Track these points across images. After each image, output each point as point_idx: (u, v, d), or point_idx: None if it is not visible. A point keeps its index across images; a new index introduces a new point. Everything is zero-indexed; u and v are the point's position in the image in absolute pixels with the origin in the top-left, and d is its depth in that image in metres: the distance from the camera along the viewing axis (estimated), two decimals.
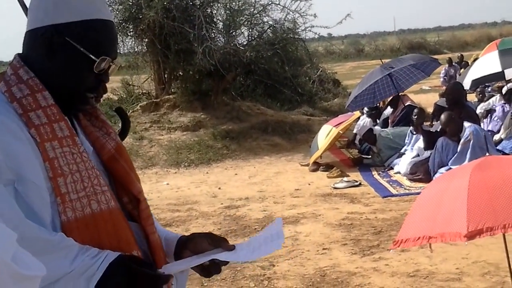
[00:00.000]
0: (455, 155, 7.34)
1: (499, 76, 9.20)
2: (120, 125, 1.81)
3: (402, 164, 8.16)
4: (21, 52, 1.57)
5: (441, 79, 17.84)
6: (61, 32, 1.48)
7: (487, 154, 3.74)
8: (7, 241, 1.05)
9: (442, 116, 7.71)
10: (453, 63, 17.90)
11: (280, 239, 1.63)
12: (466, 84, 9.39)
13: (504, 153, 7.58)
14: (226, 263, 1.61)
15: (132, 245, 1.51)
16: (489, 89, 12.11)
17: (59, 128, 1.46)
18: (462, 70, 15.93)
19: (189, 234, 1.75)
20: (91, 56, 1.50)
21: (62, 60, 1.50)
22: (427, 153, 7.83)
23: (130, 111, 12.16)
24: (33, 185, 1.38)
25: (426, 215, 3.25)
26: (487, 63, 9.59)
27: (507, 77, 9.17)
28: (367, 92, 10.30)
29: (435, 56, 13.86)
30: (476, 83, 9.48)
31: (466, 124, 7.48)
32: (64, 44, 1.48)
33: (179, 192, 8.29)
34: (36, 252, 1.30)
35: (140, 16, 11.46)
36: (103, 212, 1.46)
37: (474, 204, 2.98)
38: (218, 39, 11.89)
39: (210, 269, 1.62)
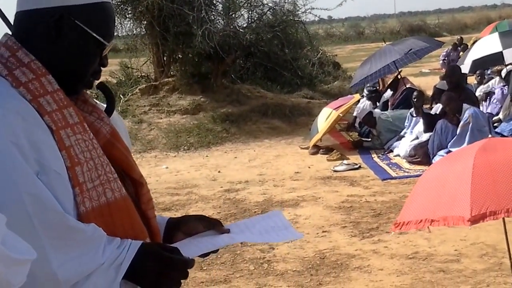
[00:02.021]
0: (454, 138, 7.36)
1: (498, 58, 9.19)
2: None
3: (402, 147, 8.17)
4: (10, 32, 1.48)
5: (440, 62, 17.76)
6: (71, 15, 1.41)
7: (490, 135, 3.72)
8: None
9: (443, 96, 7.76)
10: (458, 47, 17.76)
11: (290, 228, 1.65)
12: (466, 65, 9.38)
13: (503, 136, 7.59)
14: None
15: (145, 232, 1.49)
16: (489, 72, 12.07)
17: (68, 114, 1.40)
18: (461, 53, 15.86)
19: (180, 216, 1.73)
20: (103, 40, 1.45)
21: (70, 43, 1.43)
22: (426, 136, 7.84)
23: (129, 94, 12.13)
24: (56, 175, 1.33)
25: (428, 197, 3.24)
26: (487, 44, 9.59)
27: (506, 60, 9.16)
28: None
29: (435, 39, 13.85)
30: (475, 65, 9.46)
31: (466, 106, 7.49)
32: (73, 27, 1.42)
33: (178, 176, 8.30)
34: (73, 245, 1.32)
35: None
36: (117, 200, 1.43)
37: (477, 187, 2.96)
38: (217, 22, 11.82)
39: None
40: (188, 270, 1.44)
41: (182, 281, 1.46)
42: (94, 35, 1.44)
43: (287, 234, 1.65)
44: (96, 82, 1.57)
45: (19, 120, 1.30)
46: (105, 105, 1.61)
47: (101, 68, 1.52)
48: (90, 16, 1.43)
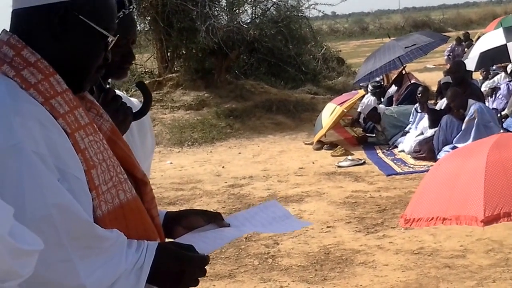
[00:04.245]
0: (460, 133, 7.31)
1: (504, 52, 9.19)
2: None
3: (407, 143, 8.14)
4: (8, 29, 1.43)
5: (445, 57, 17.71)
6: (74, 9, 1.37)
7: (501, 131, 3.66)
8: (3, 216, 1.03)
9: (448, 92, 7.71)
10: (461, 42, 17.72)
11: (292, 217, 1.66)
12: (472, 59, 9.37)
13: (509, 131, 7.55)
14: None
15: (155, 232, 1.48)
16: (494, 67, 12.02)
17: (79, 115, 1.36)
18: (466, 49, 15.81)
19: (178, 210, 1.72)
20: (107, 34, 1.42)
21: (75, 39, 1.39)
22: (431, 131, 7.81)
23: (133, 90, 12.12)
24: (76, 180, 1.30)
25: (440, 194, 3.18)
26: (491, 39, 9.64)
27: (511, 54, 9.14)
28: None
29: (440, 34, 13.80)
30: (482, 60, 9.45)
31: (471, 102, 7.44)
32: (78, 22, 1.38)
33: (182, 171, 8.29)
34: (98, 253, 1.30)
35: None
36: (129, 202, 1.41)
37: (491, 187, 2.90)
38: (221, 17, 11.81)
39: None
40: (205, 267, 1.43)
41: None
42: (99, 29, 1.40)
43: (294, 224, 1.66)
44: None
45: (38, 126, 1.26)
46: (129, 100, 1.60)
47: (107, 61, 1.48)
48: (93, 9, 1.40)
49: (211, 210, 1.71)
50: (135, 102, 1.96)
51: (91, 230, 1.29)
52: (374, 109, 9.00)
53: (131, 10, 1.72)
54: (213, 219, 1.62)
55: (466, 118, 7.32)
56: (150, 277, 1.36)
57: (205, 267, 1.43)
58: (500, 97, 9.48)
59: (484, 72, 11.02)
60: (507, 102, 9.03)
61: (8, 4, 1.47)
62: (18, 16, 1.40)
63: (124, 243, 1.35)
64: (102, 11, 1.42)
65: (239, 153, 9.23)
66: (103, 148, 1.39)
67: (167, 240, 1.58)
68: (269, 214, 1.67)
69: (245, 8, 12.24)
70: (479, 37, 13.76)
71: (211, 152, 9.46)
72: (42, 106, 1.30)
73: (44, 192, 1.22)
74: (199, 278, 1.44)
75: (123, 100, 1.73)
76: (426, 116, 8.09)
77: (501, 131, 3.63)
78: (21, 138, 1.23)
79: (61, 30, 1.37)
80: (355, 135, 9.48)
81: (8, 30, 1.43)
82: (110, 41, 1.44)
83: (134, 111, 1.76)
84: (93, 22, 1.39)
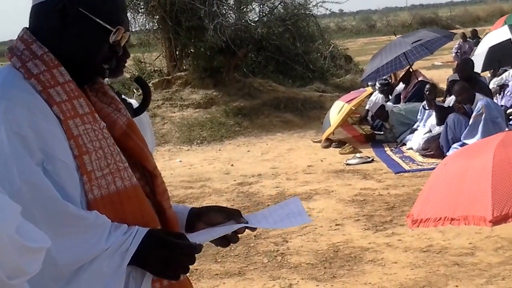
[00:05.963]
0: (467, 129, 7.27)
1: (509, 48, 9.23)
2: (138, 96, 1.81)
3: (415, 140, 8.15)
4: (27, 26, 1.51)
5: (453, 54, 17.65)
6: (74, 3, 1.44)
7: (507, 129, 3.66)
8: (11, 214, 1.05)
9: (456, 85, 7.70)
10: (467, 38, 17.66)
11: (303, 215, 1.68)
12: (481, 54, 9.39)
13: None
14: (243, 231, 1.64)
15: (156, 220, 1.52)
16: None
17: (79, 104, 1.44)
18: (474, 47, 15.77)
19: (201, 206, 1.77)
20: (107, 26, 1.46)
21: (76, 32, 1.45)
22: (439, 129, 7.81)
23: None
24: (62, 164, 1.37)
25: (447, 194, 3.17)
26: (498, 35, 9.72)
27: None
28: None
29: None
30: (489, 56, 9.46)
31: (479, 96, 7.42)
32: (78, 15, 1.44)
33: (192, 169, 8.33)
34: (74, 231, 1.35)
35: None
36: (127, 189, 1.46)
37: (498, 186, 2.89)
38: (229, 15, 11.84)
39: (228, 239, 1.64)
40: (195, 255, 1.46)
41: (198, 273, 1.48)
42: (98, 21, 1.45)
43: (297, 220, 1.68)
44: (117, 68, 1.58)
45: (24, 111, 1.35)
46: (129, 100, 1.64)
47: (115, 55, 1.52)
48: (94, 3, 1.45)
49: (231, 207, 1.74)
50: (133, 102, 2.01)
51: (63, 209, 1.34)
52: (382, 106, 9.00)
53: None
54: (232, 216, 1.66)
55: (474, 113, 7.29)
56: (138, 261, 1.41)
57: (194, 255, 1.46)
58: (508, 94, 9.44)
59: (492, 70, 10.98)
60: None
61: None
62: (31, 13, 1.50)
63: (106, 224, 1.40)
64: (104, 4, 1.46)
65: (248, 151, 9.27)
66: (102, 137, 1.45)
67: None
68: (286, 211, 1.69)
69: (253, 7, 12.29)
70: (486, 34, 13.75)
71: (220, 150, 9.50)
72: (38, 95, 1.40)
73: (15, 168, 1.31)
74: (190, 267, 1.47)
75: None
76: (434, 113, 8.09)
77: (506, 129, 3.61)
78: (2, 119, 1.33)
79: (62, 24, 1.44)
80: (363, 132, 9.49)
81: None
82: (115, 33, 1.48)
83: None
84: (94, 15, 1.45)
